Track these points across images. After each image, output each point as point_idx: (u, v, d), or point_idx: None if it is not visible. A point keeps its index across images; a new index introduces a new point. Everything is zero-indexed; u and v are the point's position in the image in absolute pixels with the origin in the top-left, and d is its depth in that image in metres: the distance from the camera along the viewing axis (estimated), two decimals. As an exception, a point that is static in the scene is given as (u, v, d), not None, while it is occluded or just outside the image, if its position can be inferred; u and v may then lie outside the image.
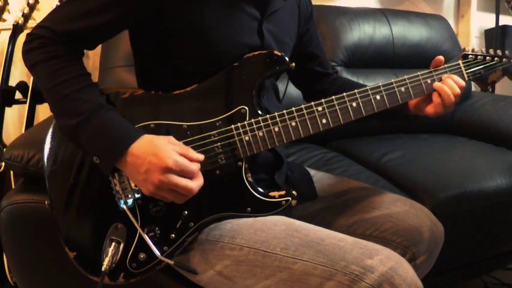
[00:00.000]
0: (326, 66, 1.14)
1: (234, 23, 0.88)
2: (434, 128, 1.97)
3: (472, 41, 2.63)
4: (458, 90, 0.92)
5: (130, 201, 0.83)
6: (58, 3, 1.71)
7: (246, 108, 0.85)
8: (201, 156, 0.80)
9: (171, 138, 0.80)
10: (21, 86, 1.72)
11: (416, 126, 1.93)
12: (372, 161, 1.60)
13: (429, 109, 0.94)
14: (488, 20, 2.53)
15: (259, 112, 0.86)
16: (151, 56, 0.91)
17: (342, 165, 1.53)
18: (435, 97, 0.92)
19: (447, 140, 1.86)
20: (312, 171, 1.12)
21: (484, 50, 1.01)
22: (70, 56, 0.82)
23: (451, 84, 0.92)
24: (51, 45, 0.80)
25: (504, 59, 1.00)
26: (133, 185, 0.83)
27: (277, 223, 0.84)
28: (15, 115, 1.92)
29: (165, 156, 0.75)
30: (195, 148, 0.83)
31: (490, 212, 1.42)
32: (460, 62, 0.98)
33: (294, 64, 0.89)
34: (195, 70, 0.87)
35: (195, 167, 0.78)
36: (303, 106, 0.86)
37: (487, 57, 0.99)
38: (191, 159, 0.78)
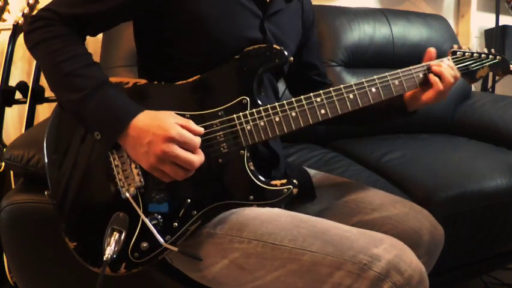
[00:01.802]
0: (324, 76, 1.16)
1: (236, 17, 0.89)
2: (434, 128, 1.97)
3: (472, 41, 2.63)
4: (454, 73, 0.96)
5: (132, 189, 0.83)
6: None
7: (247, 98, 0.87)
8: (201, 129, 0.82)
9: (172, 112, 0.81)
10: (21, 86, 1.72)
11: (416, 126, 1.93)
12: (372, 161, 1.60)
13: (429, 95, 0.96)
14: (488, 20, 2.53)
15: (260, 103, 0.87)
16: (152, 48, 0.92)
17: (342, 165, 1.53)
18: (433, 81, 0.96)
19: (447, 140, 1.86)
20: (312, 172, 1.12)
21: (476, 47, 1.06)
22: (73, 36, 0.83)
23: (445, 68, 0.97)
24: (55, 25, 0.82)
25: (490, 56, 1.05)
26: (135, 172, 0.83)
27: (282, 214, 0.85)
28: (15, 115, 1.92)
29: (169, 127, 0.77)
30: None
31: (490, 212, 1.42)
32: (450, 58, 1.02)
33: (292, 58, 0.90)
34: (195, 62, 0.88)
35: (197, 139, 0.79)
36: (302, 97, 0.88)
37: (474, 54, 1.04)
38: (193, 132, 0.79)
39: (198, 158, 0.79)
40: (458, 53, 1.03)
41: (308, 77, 1.14)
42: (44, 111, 1.89)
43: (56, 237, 0.89)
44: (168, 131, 0.76)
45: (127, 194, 0.83)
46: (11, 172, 1.58)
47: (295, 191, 0.87)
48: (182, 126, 0.78)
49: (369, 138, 1.84)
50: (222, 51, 0.88)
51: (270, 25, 0.94)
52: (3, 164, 1.57)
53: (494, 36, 2.38)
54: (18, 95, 1.74)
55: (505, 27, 2.40)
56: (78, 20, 0.83)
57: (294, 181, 0.87)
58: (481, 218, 1.41)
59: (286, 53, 0.88)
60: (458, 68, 1.01)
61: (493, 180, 1.42)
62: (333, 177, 1.12)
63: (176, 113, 0.83)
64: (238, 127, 0.85)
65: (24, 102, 1.71)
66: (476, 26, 2.63)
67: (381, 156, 1.61)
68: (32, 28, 0.83)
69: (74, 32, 0.84)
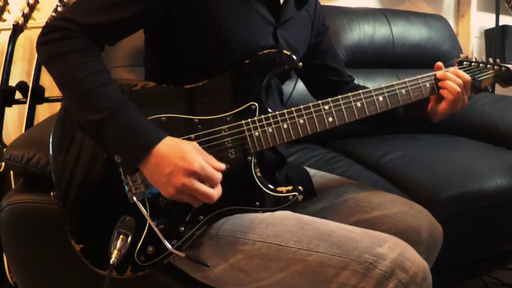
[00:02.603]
0: (343, 75, 1.16)
1: (250, 24, 0.89)
2: (434, 128, 1.96)
3: (472, 41, 2.63)
4: (459, 81, 0.95)
5: (139, 193, 0.83)
6: (58, 3, 1.71)
7: (256, 104, 0.87)
8: (223, 166, 0.80)
9: (196, 144, 0.79)
10: (21, 86, 1.72)
11: (416, 126, 1.93)
12: (372, 161, 1.60)
13: (443, 106, 0.96)
14: (488, 20, 2.53)
15: (269, 109, 0.87)
16: (162, 50, 0.91)
17: (342, 165, 1.53)
18: (444, 93, 0.96)
19: (447, 140, 1.86)
20: (312, 171, 1.12)
21: (477, 57, 1.05)
22: (93, 50, 0.81)
23: (451, 77, 0.96)
24: (74, 38, 0.79)
25: (496, 67, 1.04)
26: (142, 176, 0.82)
27: (287, 218, 0.85)
28: (15, 115, 1.92)
29: (192, 160, 0.74)
30: (206, 142, 0.84)
31: (490, 212, 1.42)
32: (456, 68, 1.01)
33: (301, 64, 0.90)
34: (206, 66, 0.88)
35: (219, 176, 0.77)
36: (310, 104, 0.88)
37: (481, 64, 1.04)
38: (215, 168, 0.77)
39: (217, 193, 0.77)
40: (465, 62, 1.03)
41: (326, 78, 1.14)
42: (44, 111, 1.89)
43: (56, 237, 0.89)
44: (191, 163, 0.74)
45: (134, 198, 0.82)
46: (11, 172, 1.58)
47: (300, 197, 0.87)
48: (205, 161, 0.76)
49: (369, 138, 1.84)
50: (233, 57, 0.88)
51: (283, 32, 0.94)
52: (3, 164, 1.57)
53: (494, 36, 2.38)
54: (18, 95, 1.74)
55: (505, 27, 2.40)
56: (97, 29, 0.81)
57: (300, 188, 0.88)
58: (481, 218, 1.41)
59: (295, 58, 0.88)
60: None
61: (493, 180, 1.42)
62: (333, 177, 1.13)
63: (185, 118, 0.83)
64: (246, 133, 0.85)
65: (24, 102, 1.71)
66: (476, 26, 2.63)
67: (381, 156, 1.61)
68: (47, 39, 0.79)
69: (93, 44, 0.81)
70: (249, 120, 0.86)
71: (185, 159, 0.74)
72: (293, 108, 0.87)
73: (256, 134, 0.86)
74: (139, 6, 0.81)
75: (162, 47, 0.91)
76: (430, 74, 0.98)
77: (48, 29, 0.80)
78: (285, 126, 0.87)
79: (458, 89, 0.94)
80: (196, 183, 0.75)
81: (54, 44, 0.79)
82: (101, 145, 0.81)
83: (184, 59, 0.89)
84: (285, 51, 0.88)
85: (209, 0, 0.84)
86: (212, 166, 0.77)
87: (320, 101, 0.89)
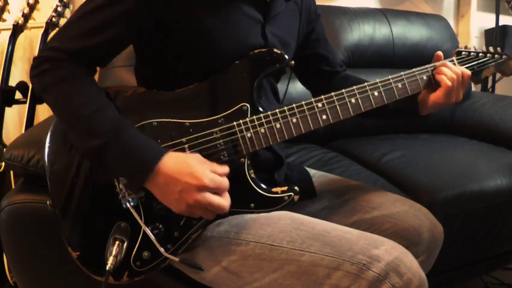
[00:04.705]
0: (335, 65, 1.14)
1: (238, 26, 0.88)
2: (434, 128, 1.97)
3: (472, 41, 2.63)
4: (458, 70, 0.94)
5: (133, 199, 0.82)
6: (58, 3, 1.71)
7: (247, 105, 0.86)
8: (226, 169, 0.79)
9: (198, 156, 0.79)
10: (21, 86, 1.73)
11: (416, 126, 1.93)
12: (372, 161, 1.60)
13: (436, 94, 0.95)
14: (488, 20, 2.53)
15: (260, 109, 0.86)
16: (152, 58, 0.91)
17: (342, 165, 1.53)
18: (439, 78, 0.94)
19: (447, 140, 1.86)
20: (312, 171, 1.12)
21: (476, 47, 1.04)
22: (83, 75, 0.81)
23: (450, 66, 0.95)
24: (63, 66, 0.79)
25: (496, 56, 1.03)
26: None
27: (282, 217, 0.85)
28: (15, 115, 1.92)
29: (201, 174, 0.74)
30: (197, 145, 0.83)
31: (490, 212, 1.42)
32: (454, 58, 1.01)
33: (293, 62, 0.89)
34: (197, 72, 0.87)
35: (226, 182, 0.77)
36: (303, 102, 0.87)
37: (480, 54, 1.02)
38: (220, 175, 0.77)
39: (228, 201, 0.77)
40: (463, 53, 1.02)
41: (318, 68, 1.12)
42: (44, 111, 1.89)
43: (56, 237, 0.88)
44: (201, 179, 0.74)
45: (128, 204, 0.82)
46: (11, 172, 1.58)
47: (296, 198, 0.86)
48: (211, 171, 0.76)
49: (369, 138, 1.84)
50: (224, 62, 0.87)
51: (272, 27, 0.93)
52: (3, 164, 1.57)
53: (494, 36, 2.38)
54: (18, 95, 1.74)
55: (505, 27, 2.41)
56: (84, 54, 0.80)
57: (296, 188, 0.87)
58: (481, 218, 1.41)
59: (286, 57, 0.87)
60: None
61: (493, 180, 1.42)
62: (333, 177, 1.12)
63: (176, 122, 0.83)
64: (239, 135, 0.84)
65: (24, 102, 1.71)
66: (476, 26, 2.63)
67: (381, 156, 1.61)
68: (39, 71, 0.80)
69: (83, 69, 0.81)
70: (241, 121, 0.84)
71: (194, 176, 0.74)
72: (285, 107, 0.86)
73: (249, 135, 0.84)
74: (115, 29, 0.81)
75: (152, 55, 0.90)
76: (427, 66, 0.97)
77: (38, 61, 0.81)
78: (278, 126, 0.85)
79: (454, 75, 0.93)
80: (209, 196, 0.75)
81: (45, 75, 0.80)
82: (105, 169, 0.80)
83: (175, 67, 0.88)
84: (275, 50, 0.87)
85: (194, 5, 0.83)
86: (217, 173, 0.77)
87: (312, 99, 0.87)
